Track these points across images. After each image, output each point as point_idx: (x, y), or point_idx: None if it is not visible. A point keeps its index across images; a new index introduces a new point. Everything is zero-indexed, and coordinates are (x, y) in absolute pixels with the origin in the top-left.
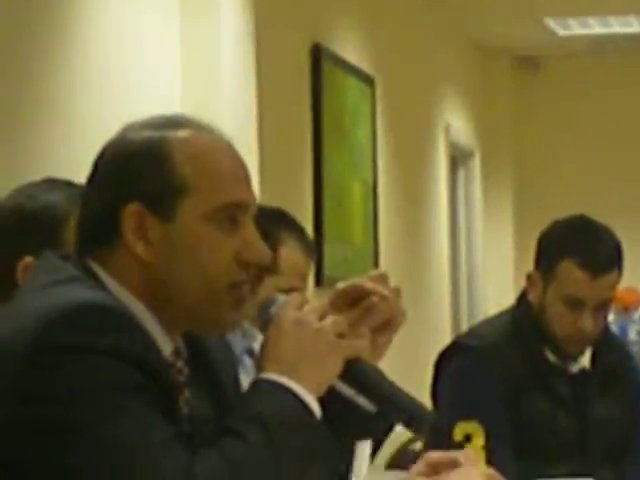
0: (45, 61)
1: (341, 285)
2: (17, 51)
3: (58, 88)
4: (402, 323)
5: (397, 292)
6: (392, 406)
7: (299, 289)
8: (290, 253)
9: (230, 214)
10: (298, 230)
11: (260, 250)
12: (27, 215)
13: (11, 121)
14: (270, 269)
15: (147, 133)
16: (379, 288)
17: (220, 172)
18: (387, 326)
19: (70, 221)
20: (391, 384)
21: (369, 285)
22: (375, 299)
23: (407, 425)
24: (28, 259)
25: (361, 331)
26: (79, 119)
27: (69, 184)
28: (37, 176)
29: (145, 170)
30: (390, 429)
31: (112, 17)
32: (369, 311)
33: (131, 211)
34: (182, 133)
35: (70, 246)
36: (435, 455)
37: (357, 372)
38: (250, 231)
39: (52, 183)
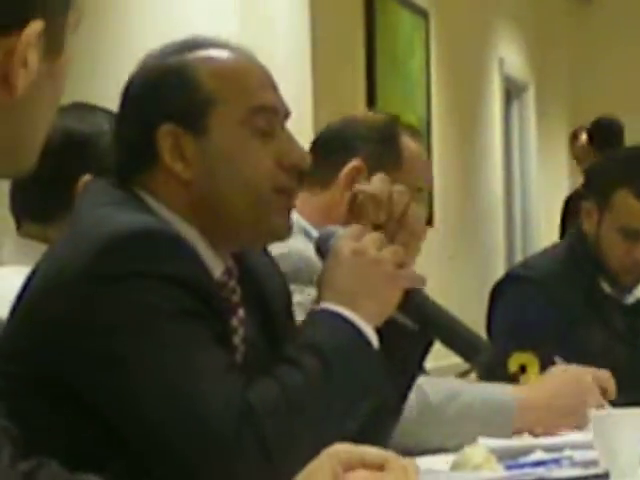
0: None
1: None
2: None
3: (121, 25)
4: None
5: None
6: (451, 338)
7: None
8: None
9: (262, 119)
10: None
11: (300, 152)
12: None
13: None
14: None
15: (168, 57)
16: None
17: (245, 79)
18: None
19: None
20: (450, 317)
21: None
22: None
23: (464, 356)
24: (87, 177)
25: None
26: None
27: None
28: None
29: (172, 91)
30: (430, 346)
31: None
32: None
33: (165, 132)
34: (203, 52)
35: None
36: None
37: (416, 303)
38: (286, 135)
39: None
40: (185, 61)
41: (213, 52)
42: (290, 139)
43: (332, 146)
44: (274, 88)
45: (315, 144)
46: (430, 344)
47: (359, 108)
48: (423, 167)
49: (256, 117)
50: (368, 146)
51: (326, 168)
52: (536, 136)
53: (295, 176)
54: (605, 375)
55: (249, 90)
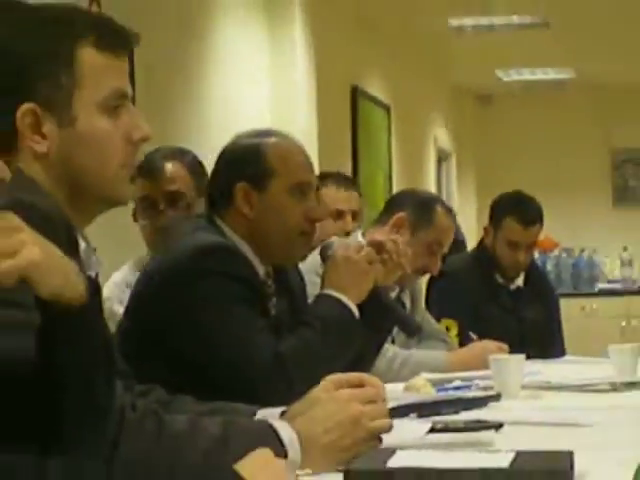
0: (187, 81)
1: (368, 238)
2: (173, 69)
3: (195, 102)
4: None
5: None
6: (399, 321)
7: None
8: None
9: (301, 188)
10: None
11: (322, 211)
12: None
13: (168, 116)
14: None
15: (250, 139)
16: (390, 245)
17: (295, 162)
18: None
19: None
20: (400, 308)
21: (384, 242)
22: (386, 256)
23: (405, 332)
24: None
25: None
26: (205, 126)
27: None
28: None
29: (249, 161)
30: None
31: (229, 62)
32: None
33: (240, 187)
34: (272, 139)
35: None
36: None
37: (379, 297)
38: (313, 199)
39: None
40: (261, 143)
41: (279, 140)
42: (314, 200)
43: (391, 202)
44: (311, 167)
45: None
46: (390, 326)
47: (347, 167)
48: (447, 231)
49: (298, 187)
50: (412, 207)
51: (385, 215)
52: (456, 186)
53: (314, 224)
54: (502, 345)
55: (296, 170)
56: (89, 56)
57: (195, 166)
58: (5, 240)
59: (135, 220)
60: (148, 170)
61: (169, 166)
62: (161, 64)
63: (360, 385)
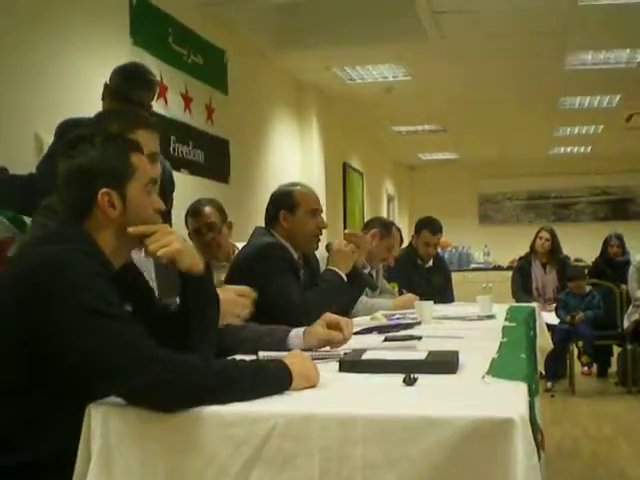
0: (260, 158)
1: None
2: (253, 154)
3: (262, 175)
4: (365, 252)
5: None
6: (367, 283)
7: None
8: None
9: (314, 212)
10: None
11: (325, 223)
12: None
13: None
14: None
15: (287, 186)
16: (358, 238)
17: (310, 198)
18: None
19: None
20: (367, 275)
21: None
22: (356, 243)
23: (370, 289)
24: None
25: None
26: (268, 185)
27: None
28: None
29: (286, 198)
30: (363, 286)
31: (278, 147)
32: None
33: (283, 215)
34: (297, 187)
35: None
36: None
37: (357, 270)
38: (321, 217)
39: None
40: (293, 189)
41: (302, 186)
42: (321, 218)
43: (368, 223)
44: (319, 200)
45: (365, 222)
46: (363, 285)
47: (340, 206)
48: (396, 239)
49: (312, 211)
50: (379, 226)
51: (365, 229)
52: (398, 217)
53: (321, 230)
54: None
55: (311, 202)
56: (136, 158)
57: (219, 207)
58: (165, 238)
59: (191, 239)
60: (194, 212)
61: (207, 208)
62: (248, 152)
63: (337, 321)
